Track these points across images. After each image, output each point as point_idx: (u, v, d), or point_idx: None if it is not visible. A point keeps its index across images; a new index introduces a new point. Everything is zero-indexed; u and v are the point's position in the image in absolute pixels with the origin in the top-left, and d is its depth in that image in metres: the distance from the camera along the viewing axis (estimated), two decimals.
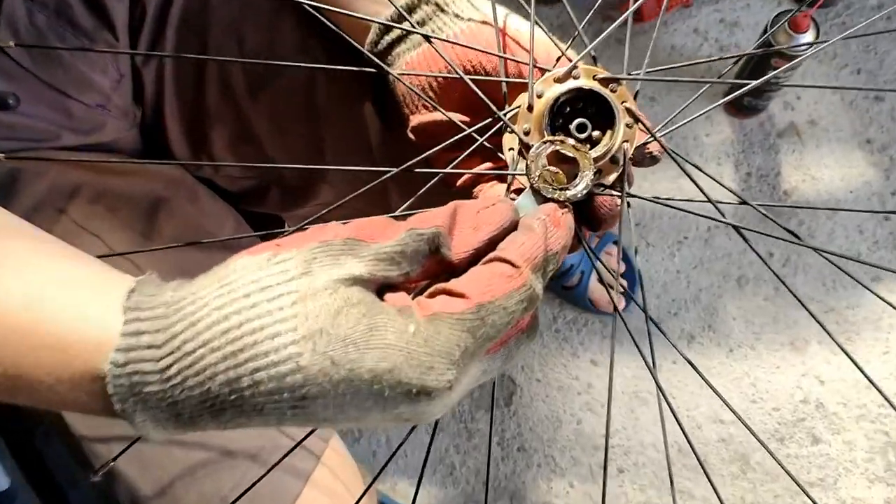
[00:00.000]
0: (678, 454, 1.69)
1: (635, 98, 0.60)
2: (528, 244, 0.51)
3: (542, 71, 0.61)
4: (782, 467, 0.52)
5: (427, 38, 0.63)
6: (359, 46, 0.63)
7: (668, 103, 1.86)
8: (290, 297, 0.38)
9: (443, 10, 0.70)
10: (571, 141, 0.56)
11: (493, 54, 0.63)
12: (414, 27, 0.66)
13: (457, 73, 0.61)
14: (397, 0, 0.72)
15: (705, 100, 1.87)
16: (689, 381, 1.72)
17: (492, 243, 0.48)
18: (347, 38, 0.62)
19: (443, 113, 0.65)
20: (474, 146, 0.66)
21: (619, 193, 0.61)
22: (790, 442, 1.71)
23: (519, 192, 0.60)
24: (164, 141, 0.89)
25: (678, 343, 1.75)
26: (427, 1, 0.70)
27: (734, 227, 0.61)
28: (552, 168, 0.56)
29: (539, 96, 0.59)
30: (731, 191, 0.64)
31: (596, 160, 0.58)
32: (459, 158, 0.67)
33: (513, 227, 0.53)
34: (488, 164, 0.74)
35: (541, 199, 0.56)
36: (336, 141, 0.83)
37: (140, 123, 0.88)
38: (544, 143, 0.57)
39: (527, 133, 0.59)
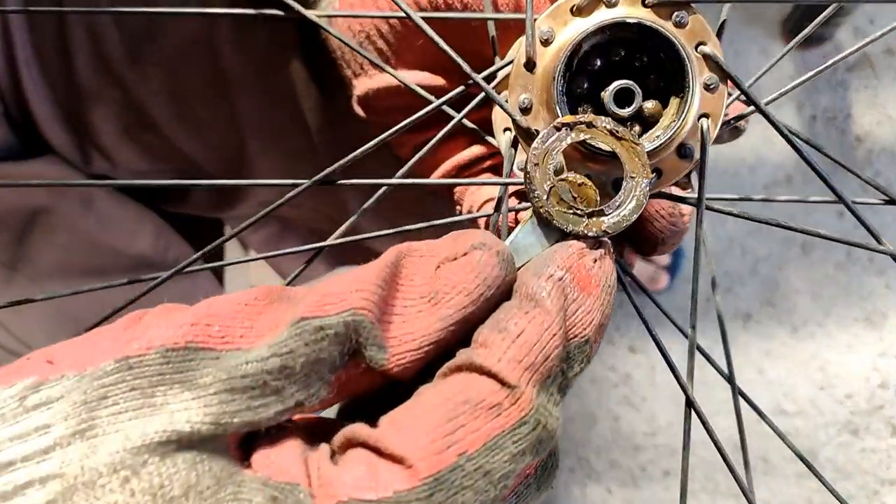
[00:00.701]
0: (735, 451, 1.44)
1: (720, 33, 0.33)
2: (531, 335, 0.27)
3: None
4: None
5: None
6: None
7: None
8: (44, 489, 0.22)
9: None
10: (606, 122, 0.30)
11: None
12: None
13: (403, 10, 0.35)
14: None
15: (759, 30, 1.56)
16: (746, 367, 1.46)
17: (463, 329, 0.29)
18: None
19: (393, 75, 0.39)
20: (449, 126, 0.40)
21: (693, 200, 0.35)
22: (866, 434, 1.46)
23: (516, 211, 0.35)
24: (38, 132, 0.64)
25: (732, 324, 1.49)
26: None
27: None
28: (574, 176, 0.31)
29: (545, 42, 0.32)
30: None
31: (653, 154, 0.32)
32: (431, 143, 0.42)
33: (503, 293, 0.28)
34: (474, 152, 0.48)
35: (556, 233, 0.31)
36: (257, 119, 0.57)
37: (5, 113, 0.63)
38: (557, 128, 0.31)
39: (526, 109, 0.33)
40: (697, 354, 0.38)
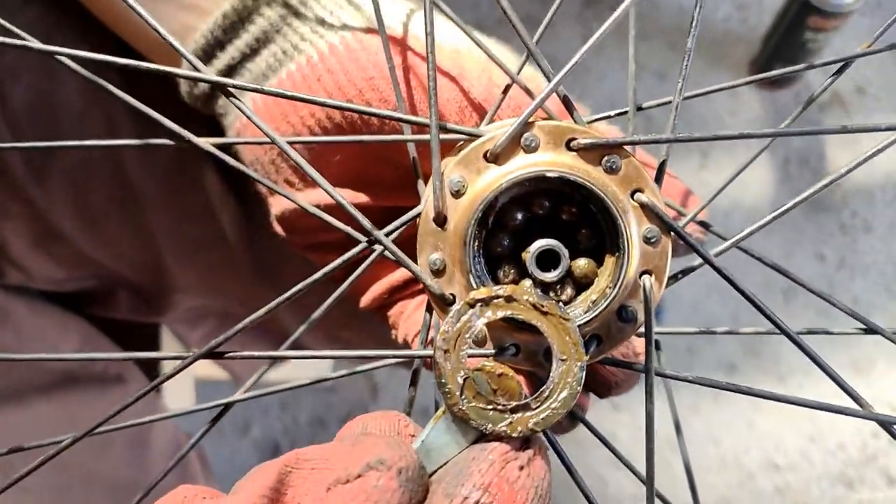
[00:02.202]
0: None
1: (660, 176, 0.28)
2: None
3: (460, 111, 0.30)
4: None
5: (231, 93, 0.31)
6: (143, 108, 0.31)
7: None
8: None
9: (298, 13, 0.39)
10: (529, 295, 0.25)
11: (374, 114, 0.32)
12: (226, 89, 0.35)
13: (277, 143, 0.30)
14: (221, 3, 0.40)
15: (726, 71, 1.54)
16: (737, 421, 1.41)
17: None
18: (118, 94, 0.31)
19: (295, 202, 0.34)
20: (370, 260, 0.35)
21: (640, 367, 0.31)
22: (861, 486, 1.40)
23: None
24: None
25: (715, 373, 1.44)
26: None
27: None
28: (491, 366, 0.25)
29: (456, 194, 0.27)
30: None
31: (589, 322, 0.27)
32: (353, 277, 0.36)
33: None
34: (407, 273, 0.43)
35: (473, 431, 0.25)
36: (171, 234, 0.52)
37: None
38: (471, 305, 0.25)
39: (439, 271, 0.28)
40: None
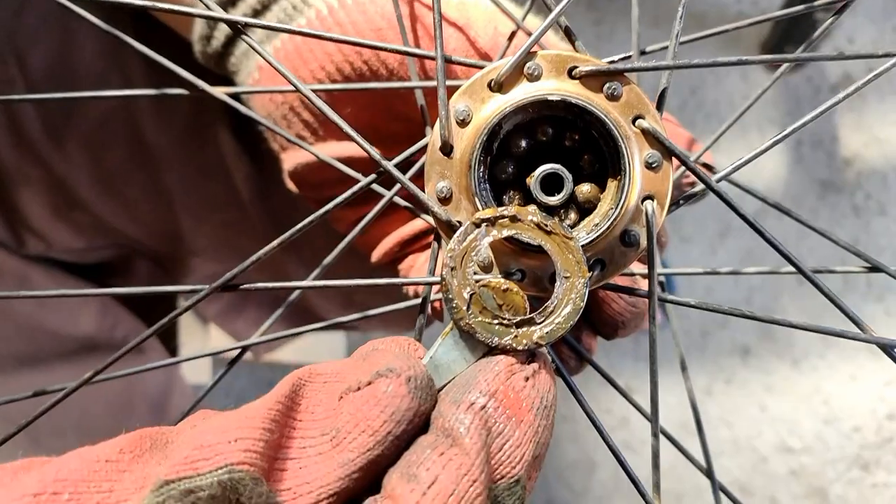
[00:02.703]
0: (742, 493, 1.38)
1: (661, 104, 0.29)
2: (445, 483, 0.22)
3: (465, 71, 0.31)
4: None
5: (247, 34, 0.32)
6: (162, 61, 0.32)
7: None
8: None
9: None
10: (533, 215, 0.26)
11: (380, 47, 0.33)
12: (238, 27, 0.36)
13: (298, 89, 0.31)
14: None
15: (738, 54, 1.53)
16: (750, 405, 1.41)
17: (372, 472, 0.24)
18: (135, 45, 0.32)
19: (310, 151, 0.35)
20: (381, 205, 0.36)
21: (643, 292, 0.31)
22: (877, 468, 1.40)
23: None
24: None
25: (730, 357, 1.44)
26: None
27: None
28: (497, 281, 0.26)
29: (462, 123, 0.28)
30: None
31: (593, 245, 0.27)
32: (360, 225, 0.37)
33: (417, 426, 0.23)
34: (416, 225, 0.44)
35: (480, 346, 0.26)
36: (187, 194, 0.53)
37: None
38: (476, 224, 0.26)
39: (446, 199, 0.29)
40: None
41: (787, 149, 1.50)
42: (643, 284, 0.39)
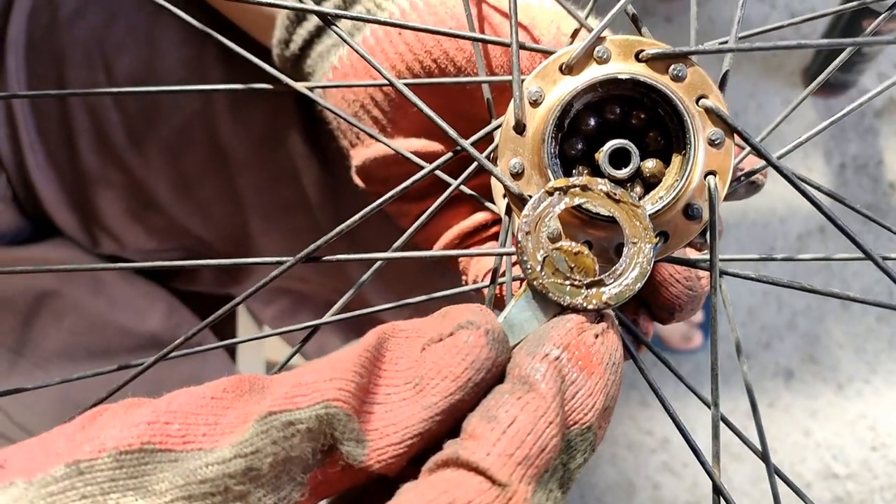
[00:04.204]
0: None
1: (723, 85, 0.31)
2: (524, 424, 0.24)
3: (540, 56, 0.33)
4: None
5: (335, 24, 0.35)
6: (246, 55, 0.35)
7: (735, 89, 1.53)
8: None
9: None
10: (603, 184, 0.28)
11: (457, 35, 0.35)
12: (328, 18, 0.39)
13: (386, 78, 0.33)
14: None
15: (781, 80, 1.54)
16: (793, 430, 1.39)
17: (453, 417, 0.26)
18: (219, 38, 0.35)
19: (385, 143, 0.37)
20: (446, 195, 0.38)
21: (705, 264, 0.33)
22: None
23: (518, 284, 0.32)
24: (46, 216, 0.64)
25: (773, 380, 1.43)
26: None
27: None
28: (569, 245, 0.28)
29: (534, 103, 0.31)
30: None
31: (657, 217, 0.29)
32: (429, 211, 0.39)
33: (495, 376, 0.25)
34: (477, 219, 0.46)
35: (553, 307, 0.28)
36: (258, 196, 0.56)
37: (13, 197, 0.63)
38: (549, 193, 0.28)
39: (518, 174, 0.31)
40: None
41: (831, 172, 1.50)
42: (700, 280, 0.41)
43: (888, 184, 1.48)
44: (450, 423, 0.26)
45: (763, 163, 0.31)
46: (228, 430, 0.25)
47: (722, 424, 0.37)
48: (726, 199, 0.42)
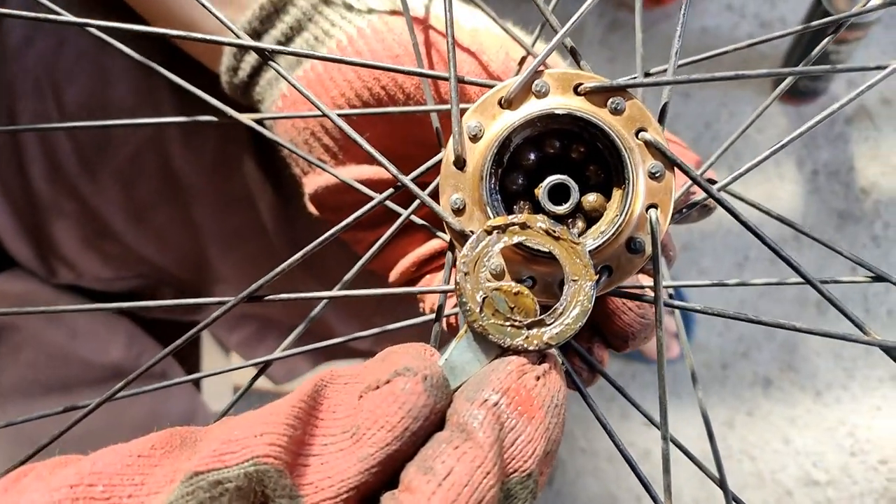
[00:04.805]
0: None
1: (663, 117, 0.30)
2: (460, 476, 0.23)
3: (478, 95, 0.33)
4: None
5: (273, 60, 0.34)
6: (192, 89, 0.35)
7: (706, 98, 1.54)
8: None
9: (328, 1, 0.42)
10: (542, 222, 0.27)
11: (397, 70, 0.35)
12: (266, 53, 0.39)
13: (322, 112, 0.33)
14: None
15: (751, 90, 1.55)
16: (773, 438, 1.39)
17: (391, 467, 0.25)
18: (165, 73, 0.34)
19: (331, 173, 0.37)
20: (395, 226, 0.37)
21: (649, 298, 0.32)
22: None
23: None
24: (2, 246, 0.63)
25: (751, 388, 1.43)
26: None
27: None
28: (509, 286, 0.28)
29: (474, 138, 0.30)
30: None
31: (600, 252, 0.29)
32: (378, 244, 0.38)
33: (433, 423, 0.25)
34: (433, 246, 0.46)
35: (494, 348, 0.27)
36: (214, 224, 0.55)
37: None
38: (488, 232, 0.28)
39: (460, 210, 0.30)
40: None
41: (803, 179, 1.51)
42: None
43: (860, 189, 1.49)
44: (388, 473, 0.25)
45: (703, 195, 0.31)
46: (155, 489, 0.24)
47: (681, 451, 0.36)
48: (680, 223, 0.41)
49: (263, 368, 0.40)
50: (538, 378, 0.27)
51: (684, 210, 0.32)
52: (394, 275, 0.48)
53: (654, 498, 0.32)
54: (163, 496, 0.23)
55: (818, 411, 1.41)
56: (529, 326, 0.27)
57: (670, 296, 0.39)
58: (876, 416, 1.40)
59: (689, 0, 0.30)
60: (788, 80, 0.38)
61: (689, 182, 0.36)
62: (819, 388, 1.42)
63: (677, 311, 0.36)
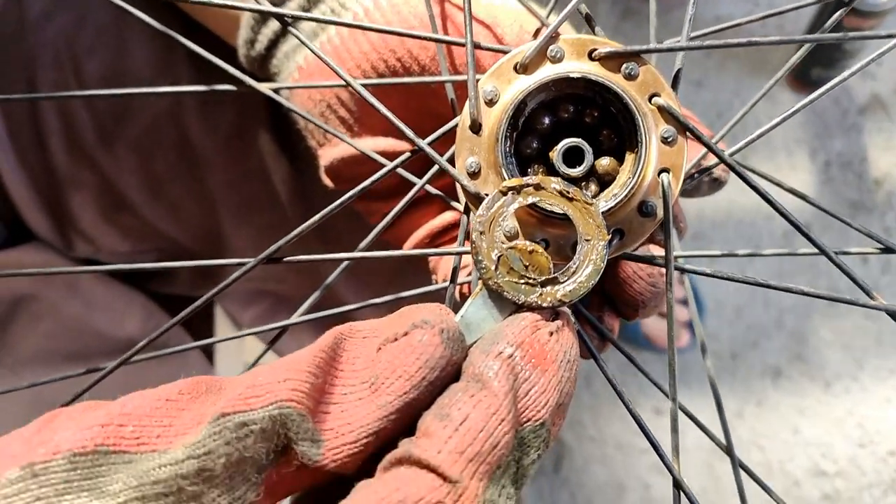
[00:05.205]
0: None
1: (676, 84, 0.31)
2: (475, 421, 0.24)
3: (494, 56, 0.33)
4: None
5: (293, 27, 0.35)
6: (210, 58, 0.35)
7: (719, 87, 1.54)
8: None
9: None
10: (556, 183, 0.28)
11: (415, 36, 0.35)
12: (286, 21, 0.39)
13: (344, 80, 0.33)
14: None
15: (764, 79, 1.55)
16: (781, 427, 1.39)
17: (409, 416, 0.26)
18: (185, 42, 0.35)
19: (348, 143, 0.37)
20: (411, 194, 0.38)
21: (660, 261, 0.33)
22: None
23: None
24: (19, 218, 0.64)
25: (761, 379, 1.43)
26: None
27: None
28: (524, 244, 0.28)
29: (489, 102, 0.31)
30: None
31: (612, 214, 0.29)
32: (395, 210, 0.39)
33: (450, 374, 0.25)
34: (446, 218, 0.46)
35: (508, 305, 0.28)
36: (229, 195, 0.56)
37: None
38: (503, 192, 0.28)
39: (475, 173, 0.31)
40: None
41: (816, 170, 1.50)
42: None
43: (873, 180, 1.49)
44: (405, 422, 0.26)
45: (715, 160, 0.31)
46: (183, 431, 0.25)
47: (686, 418, 0.37)
48: (690, 195, 0.42)
49: (281, 333, 0.41)
50: (551, 333, 0.27)
51: (696, 175, 0.32)
52: (407, 246, 0.49)
53: (661, 456, 0.33)
54: (190, 436, 0.24)
55: (827, 402, 1.41)
56: (543, 284, 0.28)
57: (681, 269, 0.40)
58: (885, 408, 1.39)
59: None
60: (800, 51, 0.39)
61: (702, 152, 0.37)
62: (829, 379, 1.42)
63: (689, 296, 0.37)
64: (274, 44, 0.45)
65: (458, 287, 0.41)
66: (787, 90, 1.53)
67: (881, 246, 0.37)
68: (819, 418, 1.40)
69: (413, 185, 0.38)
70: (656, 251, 0.39)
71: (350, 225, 0.51)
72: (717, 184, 0.40)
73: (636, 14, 1.60)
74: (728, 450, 0.38)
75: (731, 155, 0.31)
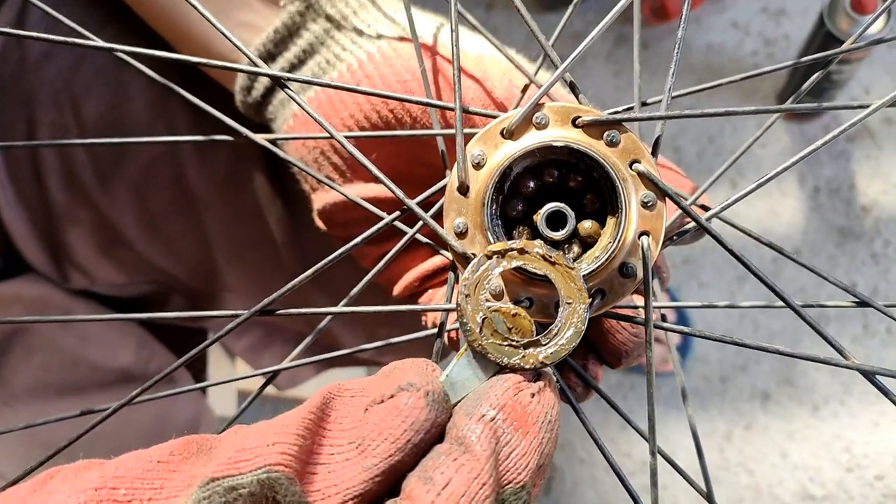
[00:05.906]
0: None
1: (656, 150, 0.32)
2: (458, 486, 0.25)
3: (482, 120, 0.34)
4: None
5: (287, 86, 0.36)
6: (208, 109, 0.36)
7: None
8: None
9: (340, 27, 0.44)
10: (539, 247, 0.29)
11: (402, 99, 0.36)
12: (280, 80, 0.40)
13: (331, 134, 0.34)
14: (271, 18, 0.46)
15: (755, 105, 1.57)
16: (770, 452, 1.40)
17: (393, 478, 0.27)
18: (184, 94, 0.36)
19: (339, 191, 0.38)
20: (401, 244, 0.39)
21: (640, 320, 0.34)
22: None
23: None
24: (15, 251, 0.64)
25: (750, 402, 1.44)
26: (317, 13, 0.44)
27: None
28: (507, 307, 0.29)
29: (477, 165, 0.32)
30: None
31: (594, 276, 0.30)
32: (383, 262, 0.40)
33: (434, 436, 0.26)
34: (436, 262, 0.47)
35: (492, 366, 0.29)
36: (224, 234, 0.57)
37: None
38: (488, 256, 0.29)
39: (462, 233, 0.32)
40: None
41: (805, 196, 1.52)
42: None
43: (861, 207, 1.51)
44: (390, 483, 0.27)
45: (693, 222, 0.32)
46: (174, 493, 0.26)
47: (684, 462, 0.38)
48: (676, 244, 0.43)
49: (270, 379, 0.42)
50: (533, 395, 0.28)
51: (675, 237, 0.33)
52: (398, 288, 0.50)
53: None
54: (181, 500, 0.25)
55: (815, 426, 1.42)
56: (526, 346, 0.29)
57: (662, 317, 0.41)
58: (873, 432, 1.41)
59: (681, 41, 0.32)
60: (769, 121, 0.40)
61: (679, 212, 0.38)
62: (817, 403, 1.43)
63: (671, 349, 0.38)
64: (270, 91, 0.46)
65: (446, 333, 0.42)
66: (779, 119, 1.55)
67: (856, 300, 0.38)
68: (807, 442, 1.41)
69: (404, 231, 0.39)
70: (639, 301, 0.40)
71: (342, 268, 0.52)
72: (700, 234, 0.42)
73: (629, 41, 1.62)
74: (708, 496, 0.39)
75: (708, 219, 0.32)
